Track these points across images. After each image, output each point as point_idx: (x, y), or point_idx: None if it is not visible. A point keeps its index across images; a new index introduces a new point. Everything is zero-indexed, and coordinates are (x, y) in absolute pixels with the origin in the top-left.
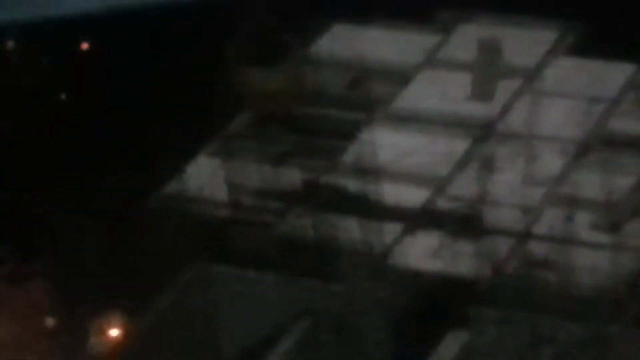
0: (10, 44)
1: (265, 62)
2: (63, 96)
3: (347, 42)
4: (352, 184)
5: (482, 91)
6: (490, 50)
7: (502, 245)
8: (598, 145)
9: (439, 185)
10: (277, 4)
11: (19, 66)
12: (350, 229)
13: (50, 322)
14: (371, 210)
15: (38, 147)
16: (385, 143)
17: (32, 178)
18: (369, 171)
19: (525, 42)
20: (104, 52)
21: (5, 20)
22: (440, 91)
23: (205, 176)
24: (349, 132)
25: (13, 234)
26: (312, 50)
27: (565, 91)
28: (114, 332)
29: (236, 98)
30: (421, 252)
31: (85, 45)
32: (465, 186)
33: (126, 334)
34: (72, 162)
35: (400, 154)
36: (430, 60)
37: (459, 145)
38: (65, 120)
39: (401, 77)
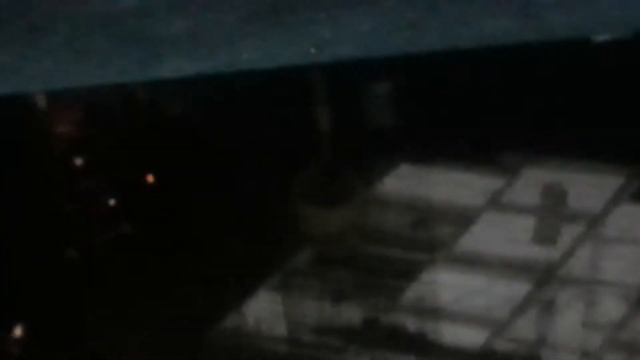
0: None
1: (328, 203)
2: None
3: (412, 183)
4: (411, 324)
5: (545, 235)
6: (554, 195)
7: None
8: None
9: (499, 328)
10: (342, 144)
11: None
12: None
13: None
14: (430, 351)
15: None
16: (446, 284)
17: (82, 313)
18: (429, 311)
19: (589, 187)
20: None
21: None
22: (503, 234)
23: (264, 311)
24: (410, 272)
25: None
26: (377, 189)
27: (629, 238)
28: None
29: (298, 233)
30: None
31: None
32: (525, 329)
33: None
34: (124, 290)
35: (460, 296)
36: (494, 203)
37: (520, 289)
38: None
39: (464, 219)
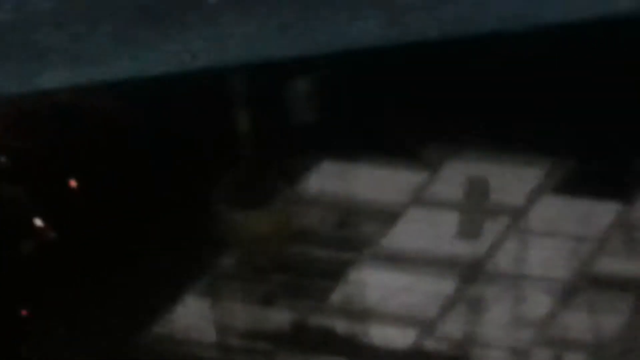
0: None
1: (251, 206)
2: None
3: (335, 181)
4: (340, 325)
5: (469, 230)
6: (477, 189)
7: None
8: (586, 285)
9: (428, 325)
10: (261, 142)
11: None
12: None
13: None
14: (360, 352)
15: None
16: (373, 283)
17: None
18: (357, 311)
19: (512, 180)
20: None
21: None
22: (427, 230)
23: (192, 317)
24: (337, 273)
25: None
26: (300, 188)
27: (553, 230)
28: None
29: (224, 236)
30: None
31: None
32: (454, 326)
33: None
34: (52, 296)
35: (388, 294)
36: (418, 199)
37: (447, 284)
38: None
39: (389, 216)
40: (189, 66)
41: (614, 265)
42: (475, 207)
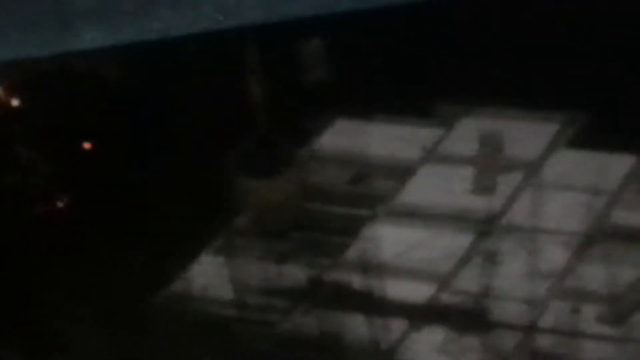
0: None
1: (266, 174)
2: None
3: (349, 138)
4: (356, 281)
5: (483, 185)
6: (491, 144)
7: (508, 340)
8: (601, 237)
9: (444, 280)
10: (276, 106)
11: None
12: (355, 326)
13: None
14: (376, 306)
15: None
16: (388, 239)
17: (30, 277)
18: (373, 267)
19: (526, 135)
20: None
21: None
22: (442, 186)
23: (208, 274)
24: (352, 229)
25: (13, 334)
26: (314, 147)
27: (567, 184)
28: None
29: (240, 205)
30: (427, 348)
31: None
32: (469, 281)
33: None
34: (70, 258)
35: (403, 250)
36: (432, 155)
37: (463, 240)
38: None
39: (403, 173)
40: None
41: (629, 217)
42: (489, 162)
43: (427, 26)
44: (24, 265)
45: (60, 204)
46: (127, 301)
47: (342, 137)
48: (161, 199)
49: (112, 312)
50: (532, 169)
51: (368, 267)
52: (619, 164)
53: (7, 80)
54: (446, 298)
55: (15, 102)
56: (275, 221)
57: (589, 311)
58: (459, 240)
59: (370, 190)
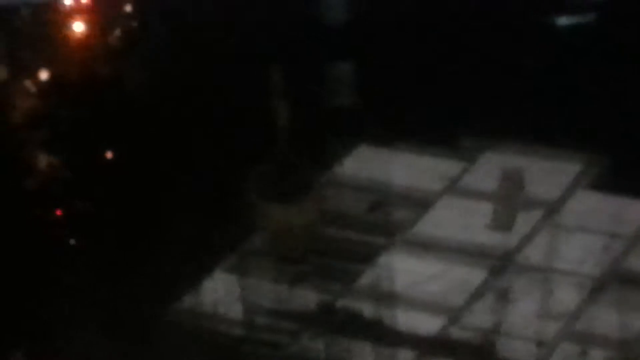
0: None
1: (286, 197)
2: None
3: (370, 164)
4: (367, 309)
5: (502, 221)
6: (512, 181)
7: None
8: (615, 282)
9: (455, 314)
10: (299, 128)
11: None
12: (363, 354)
13: None
14: (385, 336)
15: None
16: (402, 268)
17: (43, 285)
18: (385, 296)
19: (548, 174)
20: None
21: None
22: (460, 219)
23: (220, 292)
24: (367, 256)
25: (24, 341)
26: (335, 171)
27: (585, 226)
28: None
29: (257, 226)
30: None
31: None
32: (480, 316)
33: None
34: (86, 269)
35: (417, 281)
36: (452, 188)
37: (477, 275)
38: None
39: (422, 203)
40: None
41: None
42: (509, 198)
43: (455, 57)
44: (36, 277)
45: (79, 215)
46: (139, 313)
47: (363, 163)
48: (179, 213)
49: (123, 322)
50: (551, 208)
51: (380, 295)
52: (637, 209)
53: None
54: (456, 332)
55: None
56: (291, 245)
57: (598, 355)
58: (473, 275)
59: (388, 219)
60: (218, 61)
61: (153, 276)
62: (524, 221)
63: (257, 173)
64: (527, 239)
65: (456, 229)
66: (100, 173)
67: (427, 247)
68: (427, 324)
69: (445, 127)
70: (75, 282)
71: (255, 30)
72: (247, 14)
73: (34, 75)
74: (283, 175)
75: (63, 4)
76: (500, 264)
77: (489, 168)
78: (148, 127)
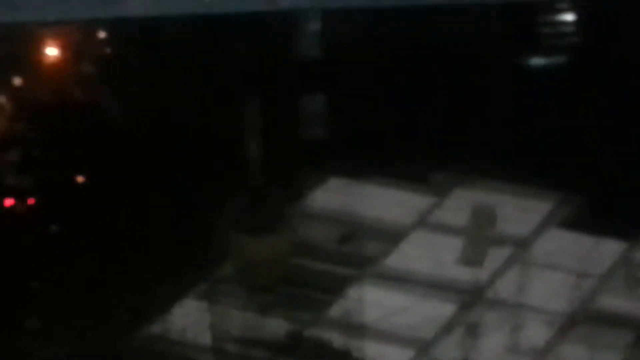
0: None
1: (258, 232)
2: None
3: (341, 197)
4: (336, 339)
5: (472, 257)
6: (483, 217)
7: None
8: (584, 319)
9: (424, 347)
10: (270, 160)
11: None
12: None
13: None
14: None
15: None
16: (372, 301)
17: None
18: (354, 328)
19: (519, 211)
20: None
21: None
22: (430, 253)
23: (189, 319)
24: (337, 287)
25: None
26: (306, 202)
27: (555, 263)
28: None
29: (227, 257)
30: None
31: None
32: (449, 350)
33: None
34: (56, 293)
35: (386, 313)
36: (423, 222)
37: (446, 309)
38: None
39: (393, 236)
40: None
41: (613, 302)
42: (480, 234)
43: (429, 93)
44: (6, 299)
45: (50, 238)
46: (108, 338)
47: (334, 195)
48: (152, 239)
49: (93, 347)
50: (521, 245)
51: (349, 326)
52: (608, 248)
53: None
54: None
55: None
56: (261, 277)
57: None
58: (442, 309)
59: (359, 251)
60: (192, 93)
61: (123, 301)
62: (494, 257)
63: (229, 203)
64: (497, 274)
65: (426, 262)
66: (74, 196)
67: (397, 280)
68: (395, 357)
69: (417, 161)
70: (45, 306)
71: (229, 63)
72: (223, 47)
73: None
74: (255, 207)
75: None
76: (470, 299)
77: (460, 203)
78: (123, 153)
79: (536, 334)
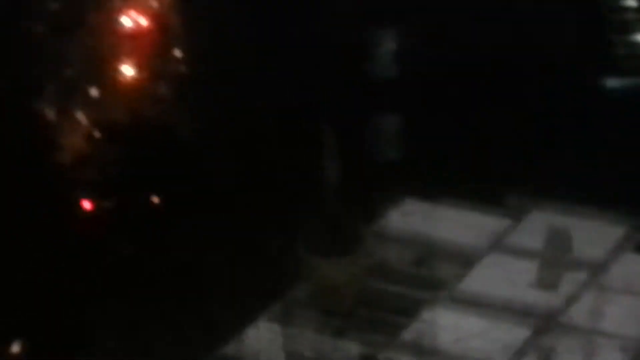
0: None
1: (334, 254)
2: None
3: (416, 219)
4: None
5: (547, 281)
6: (559, 240)
7: None
8: None
9: None
10: (347, 182)
11: None
12: None
13: None
14: None
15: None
16: (446, 324)
17: (81, 334)
18: (428, 351)
19: (594, 235)
20: None
21: None
22: (505, 277)
23: (263, 341)
24: (411, 310)
25: None
26: (381, 224)
27: (631, 288)
28: None
29: (299, 266)
30: None
31: None
32: None
33: None
34: (130, 312)
35: (460, 337)
36: (498, 245)
37: (520, 333)
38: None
39: (468, 259)
40: None
41: None
42: (556, 258)
43: (504, 115)
44: (71, 315)
45: (126, 257)
46: (182, 358)
47: (410, 218)
48: (226, 261)
49: None
50: (597, 269)
51: (423, 350)
52: None
53: None
54: None
55: None
56: (337, 299)
57: None
58: (516, 334)
59: (434, 274)
60: (267, 115)
61: (197, 322)
62: (569, 281)
63: (305, 226)
64: (572, 299)
65: (501, 286)
66: (146, 216)
67: (471, 303)
68: None
69: (492, 184)
70: (120, 325)
71: (302, 84)
72: (296, 68)
73: None
74: (331, 229)
75: None
76: (544, 324)
77: (535, 226)
78: (199, 174)
79: (610, 359)
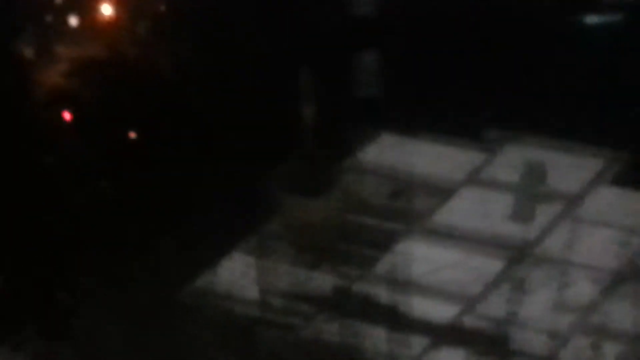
0: None
1: (309, 193)
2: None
3: (392, 153)
4: (383, 295)
5: (522, 213)
6: (534, 173)
7: None
8: (632, 277)
9: (470, 303)
10: (323, 115)
11: None
12: (376, 339)
13: None
14: (399, 322)
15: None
16: (420, 256)
17: (59, 266)
18: (402, 283)
19: (569, 168)
20: None
21: None
22: (480, 209)
23: (237, 273)
24: (385, 242)
25: (38, 319)
26: (357, 158)
27: (605, 220)
28: None
29: (279, 220)
30: None
31: None
32: (495, 306)
33: None
34: (104, 250)
35: (434, 269)
36: (474, 178)
37: (494, 265)
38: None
39: (443, 192)
40: None
41: None
42: (531, 191)
43: (482, 50)
44: (51, 251)
45: (99, 196)
46: (153, 292)
47: (385, 151)
48: (202, 194)
49: (139, 302)
50: (572, 202)
51: (397, 282)
52: None
53: None
54: (470, 321)
55: None
56: (311, 237)
57: (610, 349)
58: (490, 265)
59: (409, 207)
60: (243, 55)
61: (171, 257)
62: (544, 214)
63: (280, 162)
64: (546, 231)
65: (476, 218)
66: (125, 155)
67: (446, 235)
68: (441, 312)
69: (468, 118)
70: (92, 262)
71: (279, 24)
72: (273, 8)
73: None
74: (306, 166)
75: None
76: (518, 255)
77: (510, 160)
78: (177, 114)
79: (583, 290)
